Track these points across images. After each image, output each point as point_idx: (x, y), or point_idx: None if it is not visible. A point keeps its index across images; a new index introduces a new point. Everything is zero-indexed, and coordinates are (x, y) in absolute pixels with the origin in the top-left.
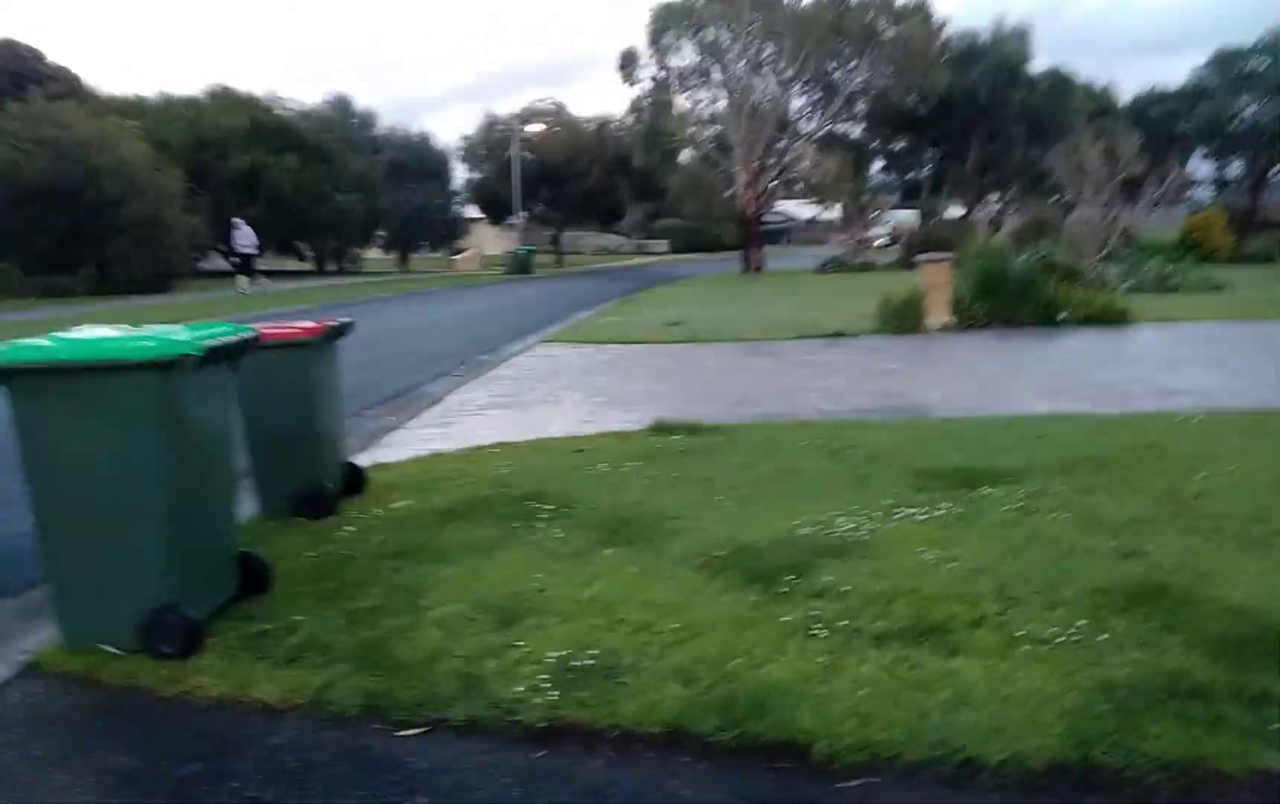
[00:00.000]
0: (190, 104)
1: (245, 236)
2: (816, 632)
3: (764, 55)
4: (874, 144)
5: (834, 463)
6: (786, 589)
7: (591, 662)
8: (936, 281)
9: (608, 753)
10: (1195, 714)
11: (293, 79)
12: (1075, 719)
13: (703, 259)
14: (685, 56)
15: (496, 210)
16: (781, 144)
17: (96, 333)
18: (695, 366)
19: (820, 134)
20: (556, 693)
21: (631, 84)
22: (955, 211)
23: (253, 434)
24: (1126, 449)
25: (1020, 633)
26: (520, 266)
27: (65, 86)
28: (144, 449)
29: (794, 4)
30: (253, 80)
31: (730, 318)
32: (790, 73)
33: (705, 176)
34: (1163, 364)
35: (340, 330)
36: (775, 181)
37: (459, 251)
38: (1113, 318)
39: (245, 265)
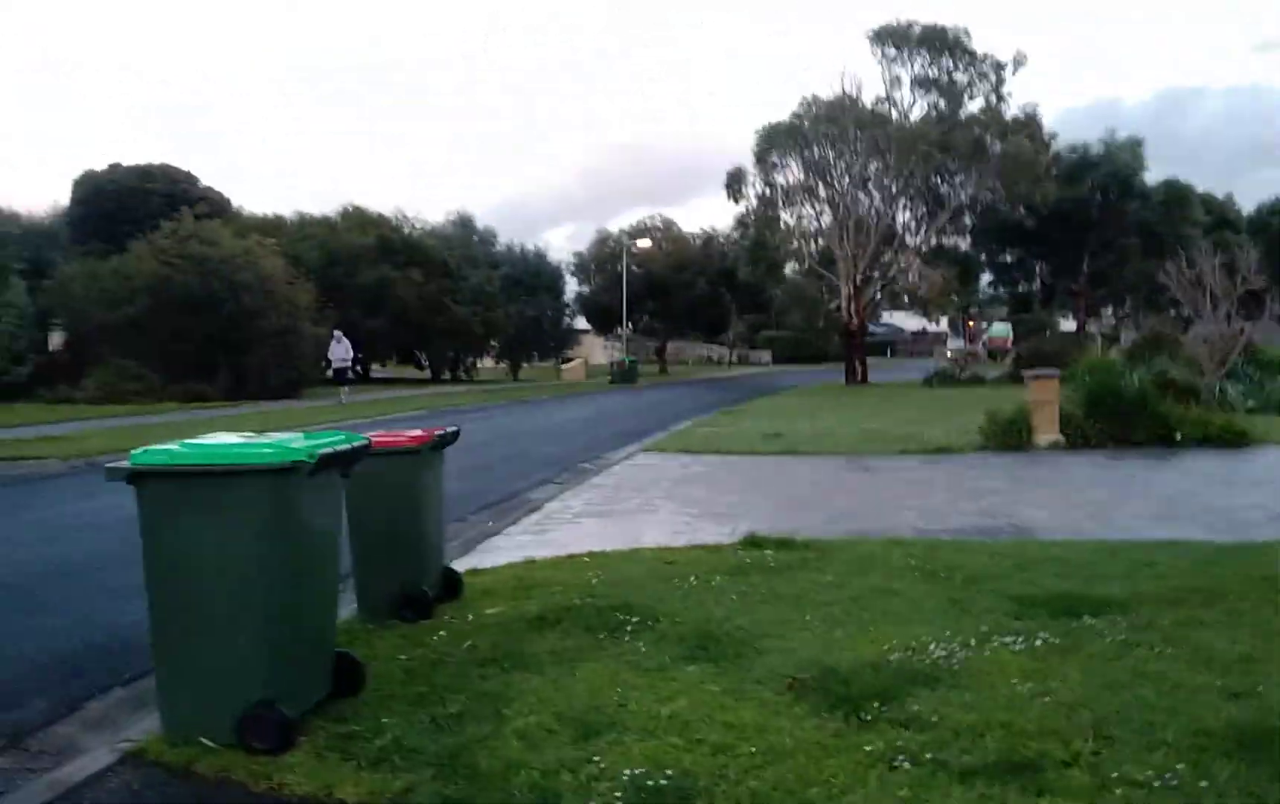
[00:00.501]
0: (323, 223)
1: (343, 350)
2: (900, 763)
3: (869, 171)
4: (982, 257)
5: (929, 584)
6: (871, 716)
7: (666, 782)
8: (1044, 398)
9: None
10: None
11: (422, 198)
12: None
13: (806, 370)
14: (790, 174)
15: (605, 321)
16: (886, 257)
17: (222, 439)
18: (792, 479)
19: (925, 247)
20: None
21: (737, 201)
22: (1069, 325)
23: (357, 536)
24: (1240, 580)
25: (1114, 775)
26: (625, 376)
27: (214, 207)
28: (255, 550)
29: (900, 122)
30: (383, 199)
31: (830, 430)
32: (895, 188)
33: (809, 289)
34: None
35: (446, 439)
36: (879, 294)
37: (567, 361)
38: (1232, 439)
39: (342, 375)
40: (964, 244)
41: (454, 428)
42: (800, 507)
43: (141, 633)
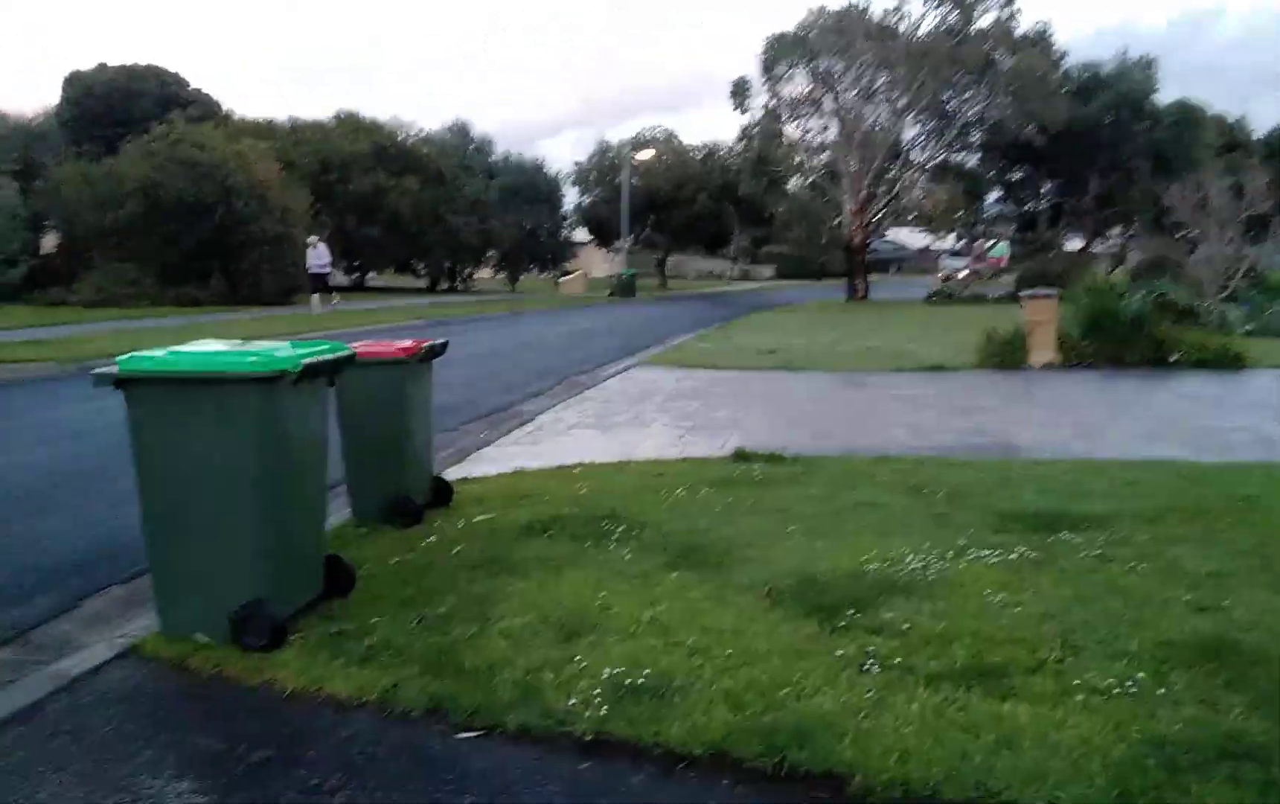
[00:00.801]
0: (318, 127)
1: (318, 256)
2: (869, 667)
3: (877, 84)
4: (989, 174)
5: (912, 499)
6: (845, 623)
7: (644, 681)
8: (1041, 318)
9: (651, 770)
10: (1248, 776)
11: (417, 104)
12: (1120, 772)
13: (808, 286)
14: (797, 85)
15: (605, 234)
16: (892, 173)
17: (208, 347)
18: (785, 395)
19: (932, 163)
20: (607, 708)
21: (743, 112)
22: (1076, 246)
23: (349, 444)
24: (1220, 500)
25: (1077, 681)
26: (624, 290)
27: (205, 110)
28: (243, 455)
29: (909, 34)
30: (378, 105)
31: (827, 347)
32: (903, 102)
33: (812, 204)
34: (1275, 412)
35: (434, 351)
36: (884, 210)
37: (566, 274)
38: (1228, 361)
39: (320, 283)
40: (971, 161)
41: (442, 339)
42: (792, 422)
43: (139, 534)
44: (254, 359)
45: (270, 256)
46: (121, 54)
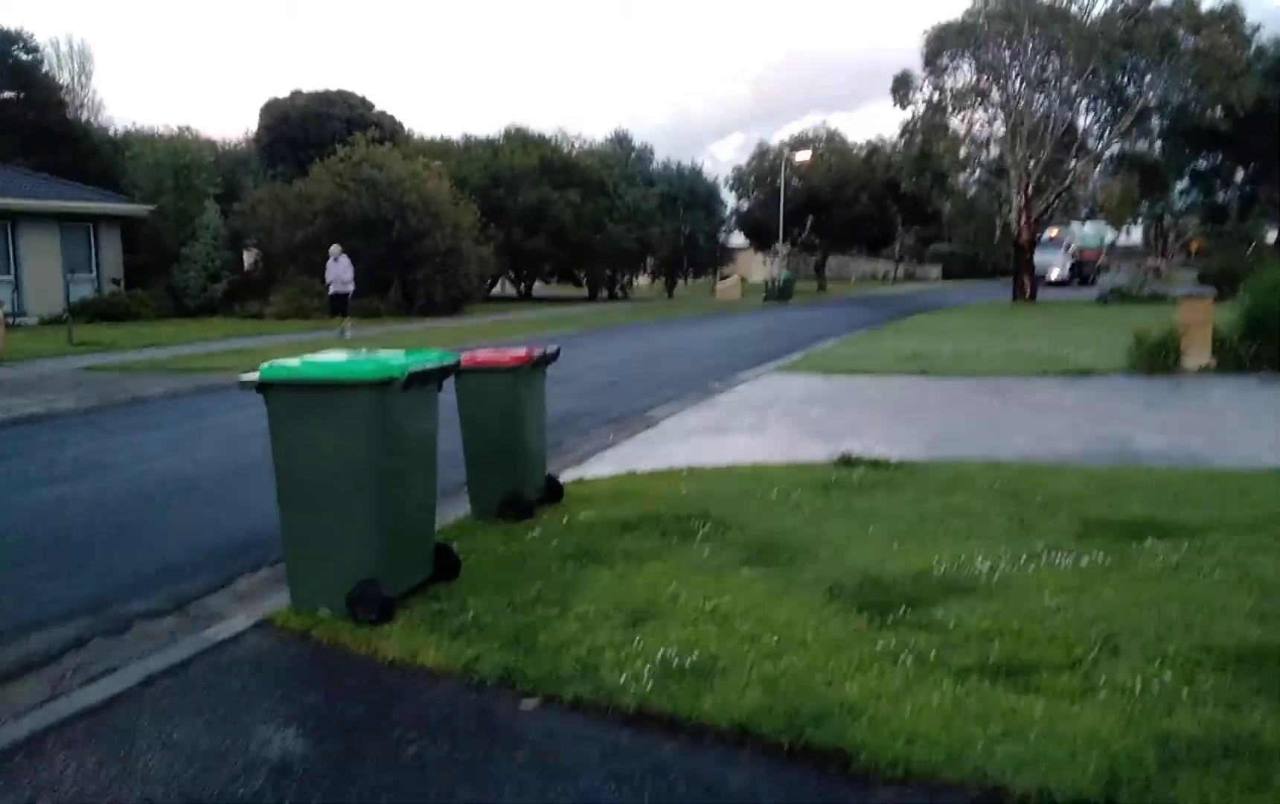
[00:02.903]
0: (488, 144)
1: (338, 270)
2: (904, 659)
3: (1046, 72)
4: (1172, 162)
5: (1005, 505)
6: (894, 619)
7: (691, 662)
8: (1195, 319)
9: (682, 740)
10: (1244, 774)
11: (587, 116)
12: (1116, 763)
13: (976, 286)
14: (961, 76)
15: (763, 238)
16: (1063, 164)
17: (333, 356)
18: (914, 401)
19: (1107, 153)
20: (652, 684)
21: (903, 107)
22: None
23: (467, 446)
24: None
25: (1103, 679)
26: (779, 294)
27: (388, 131)
28: (359, 451)
29: (1080, 17)
30: (547, 119)
31: (975, 351)
32: (1074, 89)
33: (979, 199)
34: None
35: (547, 358)
36: (1054, 204)
37: (724, 278)
38: None
39: (340, 304)
40: (1152, 149)
41: (555, 348)
42: (912, 428)
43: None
44: (369, 367)
45: (442, 269)
46: (316, 81)
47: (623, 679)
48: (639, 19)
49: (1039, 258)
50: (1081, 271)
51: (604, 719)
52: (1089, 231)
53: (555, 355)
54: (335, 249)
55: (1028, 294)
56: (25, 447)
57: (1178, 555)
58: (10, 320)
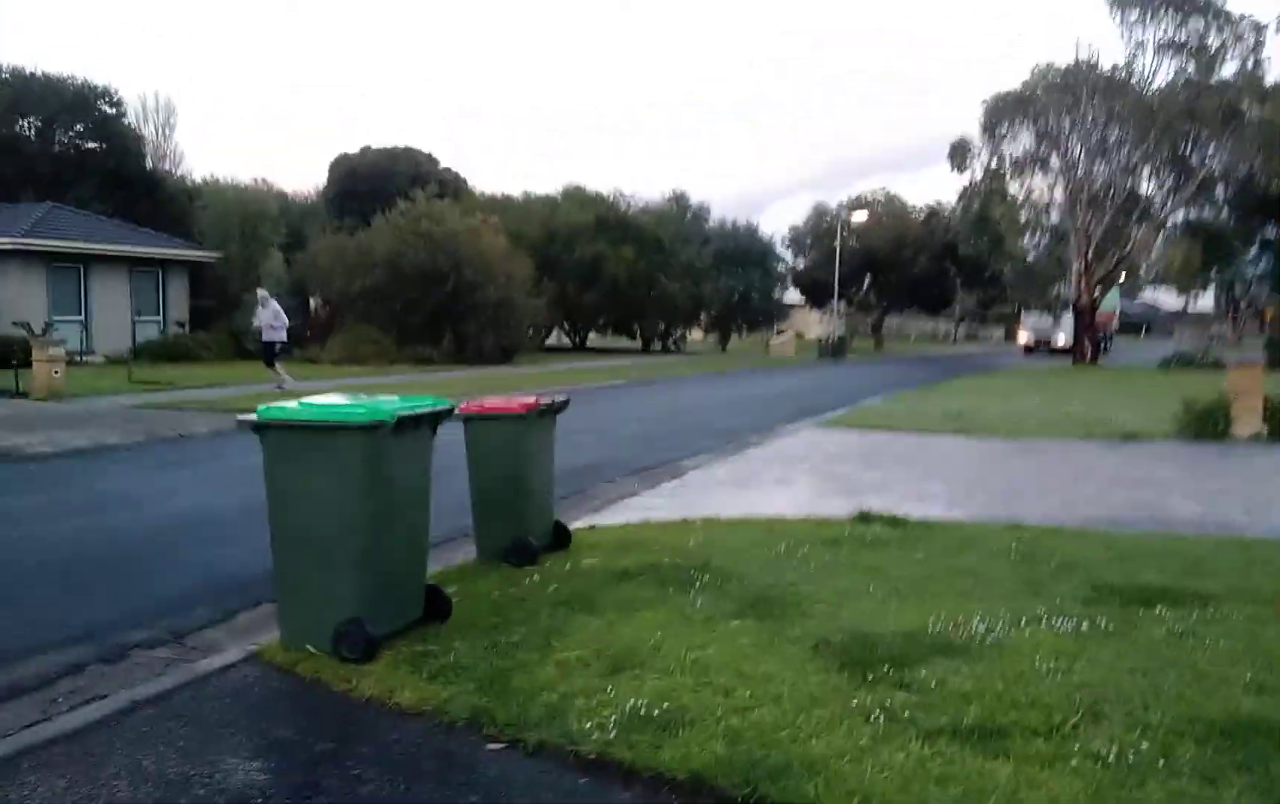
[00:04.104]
0: (546, 201)
1: (267, 316)
2: (876, 718)
3: (1107, 141)
4: (1238, 229)
5: (1016, 568)
6: (875, 677)
7: (659, 713)
8: (1245, 386)
9: (639, 790)
10: None
11: (644, 175)
12: None
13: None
14: (1020, 144)
15: (819, 296)
16: (1130, 232)
17: (330, 400)
18: (948, 461)
19: (1169, 221)
20: (615, 733)
21: (962, 172)
22: None
23: (474, 490)
24: None
25: (1078, 748)
26: (833, 351)
27: (450, 187)
28: (348, 492)
29: (1141, 89)
30: (609, 181)
31: (1020, 413)
32: (1135, 159)
33: (1039, 264)
34: None
35: (555, 407)
36: (1115, 269)
37: (778, 334)
38: None
39: (272, 352)
40: (1218, 217)
41: (564, 397)
42: (941, 486)
43: None
44: (360, 411)
45: (493, 320)
46: (385, 138)
47: (587, 726)
48: (703, 83)
49: (1034, 322)
50: (1093, 337)
51: (563, 765)
52: (1108, 299)
53: (564, 405)
54: (262, 293)
55: (1088, 357)
56: (63, 478)
57: (1185, 624)
58: (78, 358)
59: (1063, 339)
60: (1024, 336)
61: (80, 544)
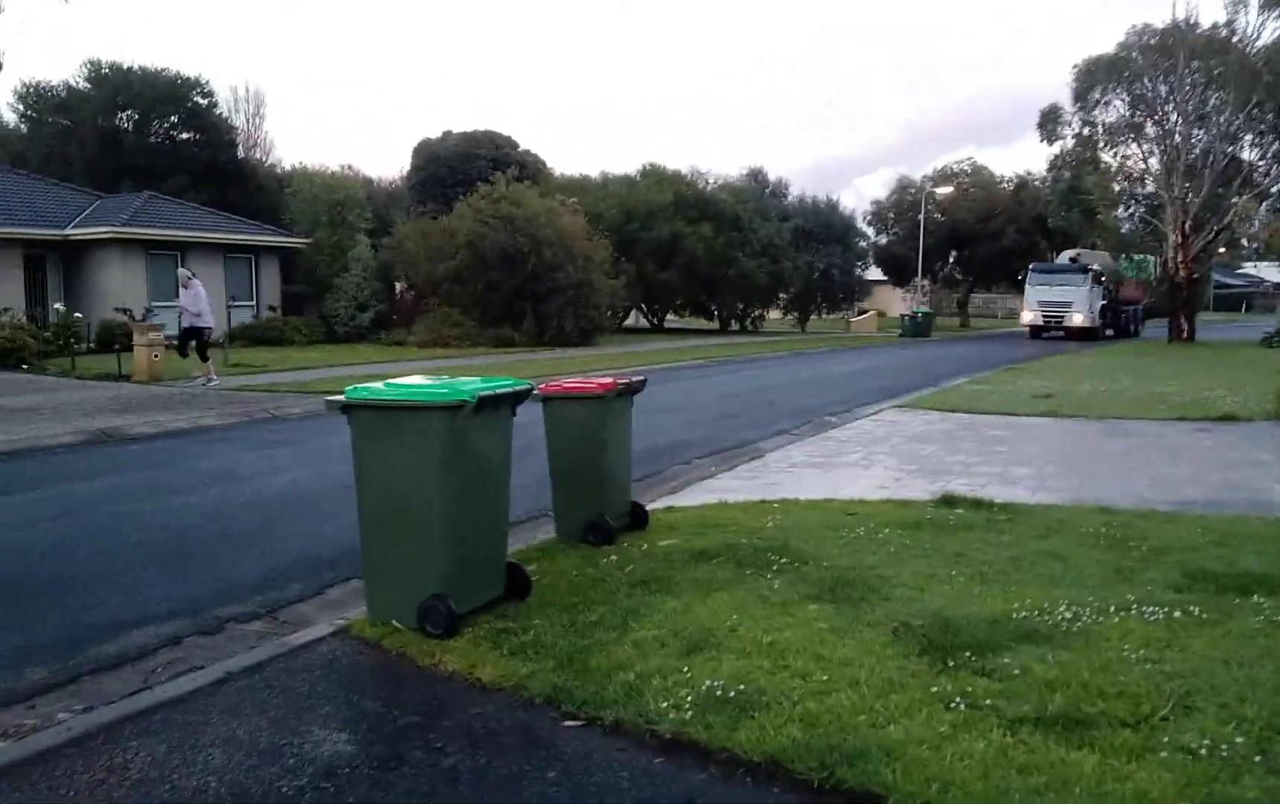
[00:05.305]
0: (624, 181)
1: (187, 299)
2: (956, 705)
3: (1206, 106)
4: None
5: (1105, 552)
6: (956, 664)
7: (735, 694)
8: None
9: (714, 771)
10: None
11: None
12: None
13: None
14: (1114, 110)
15: (902, 273)
16: (1231, 201)
17: (414, 381)
18: (1036, 442)
19: (1273, 189)
20: (691, 714)
21: (1051, 142)
22: None
23: (553, 470)
24: None
25: (1166, 739)
26: (916, 329)
27: (530, 170)
28: (431, 471)
29: (1244, 47)
30: (687, 155)
31: (1112, 392)
32: (1237, 123)
33: (1133, 236)
34: None
35: (633, 388)
36: (1214, 241)
37: (859, 313)
38: None
39: (191, 339)
40: None
41: (641, 378)
42: (1028, 469)
43: None
44: (443, 391)
45: (573, 301)
46: (467, 122)
47: (664, 706)
48: (785, 56)
49: (1042, 294)
50: (1117, 315)
51: (640, 744)
52: (1126, 270)
53: (641, 385)
54: (183, 273)
55: (1184, 335)
56: (164, 458)
57: None
58: (174, 342)
59: (1080, 317)
60: (1028, 316)
61: (179, 522)
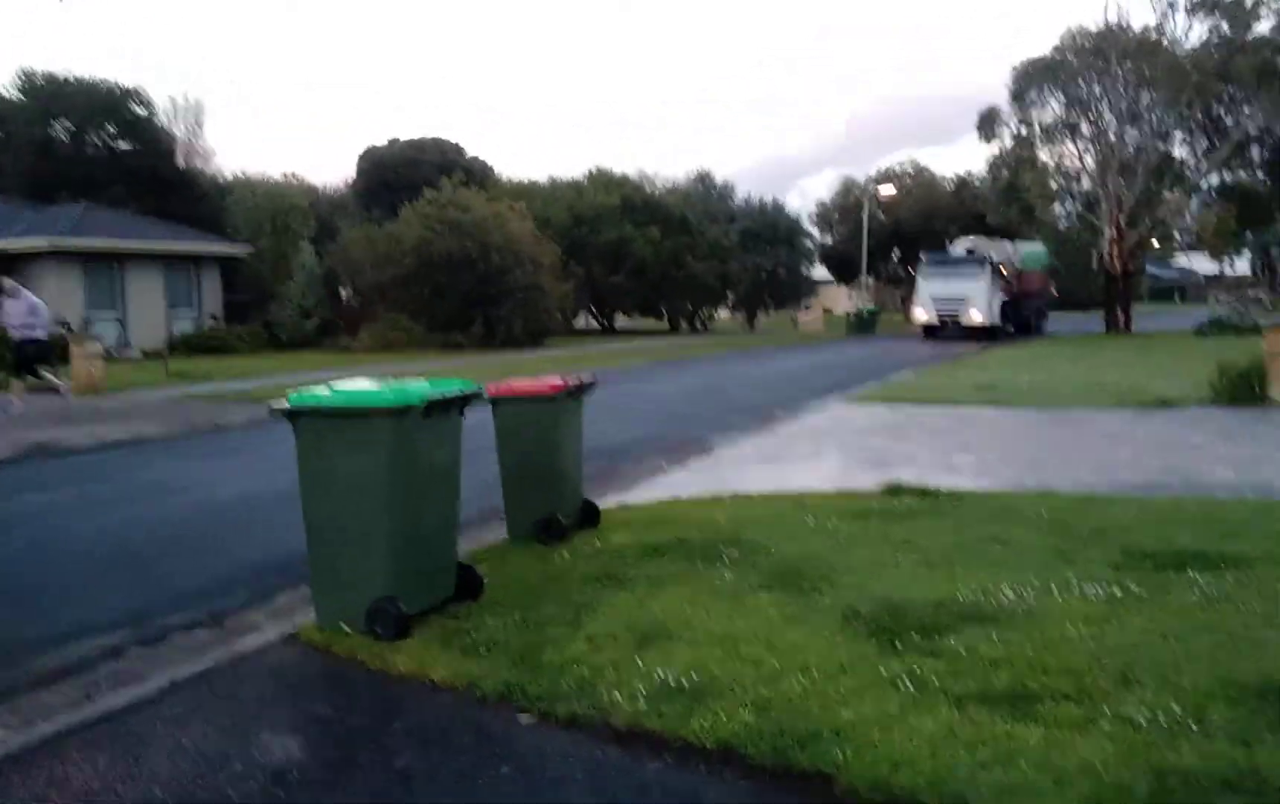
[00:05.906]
0: (572, 185)
1: (22, 314)
2: (904, 685)
3: (1139, 106)
4: (1276, 191)
5: (1048, 536)
6: (903, 646)
7: (689, 684)
8: None
9: (668, 759)
10: None
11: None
12: (1101, 795)
13: (1069, 318)
14: (1049, 112)
15: (848, 271)
16: (1164, 196)
17: (358, 385)
18: (979, 432)
19: (1206, 184)
20: (645, 704)
21: (989, 142)
22: None
23: (504, 470)
24: None
25: (1109, 711)
26: (862, 326)
27: (477, 175)
28: (378, 475)
29: (1172, 51)
30: (636, 162)
31: (1052, 382)
32: (1167, 122)
33: (1070, 232)
34: None
35: (583, 388)
36: (1148, 236)
37: (806, 311)
38: None
39: (28, 353)
40: (1252, 178)
41: (590, 379)
42: (971, 458)
43: None
44: (390, 395)
45: (523, 305)
46: (413, 129)
47: (618, 698)
48: (728, 60)
49: (937, 289)
50: (1019, 312)
51: (594, 737)
52: (1028, 249)
53: (592, 386)
54: (9, 283)
55: (1121, 325)
56: (104, 471)
57: (1219, 588)
58: (115, 353)
59: (978, 314)
60: (921, 313)
61: (120, 534)
